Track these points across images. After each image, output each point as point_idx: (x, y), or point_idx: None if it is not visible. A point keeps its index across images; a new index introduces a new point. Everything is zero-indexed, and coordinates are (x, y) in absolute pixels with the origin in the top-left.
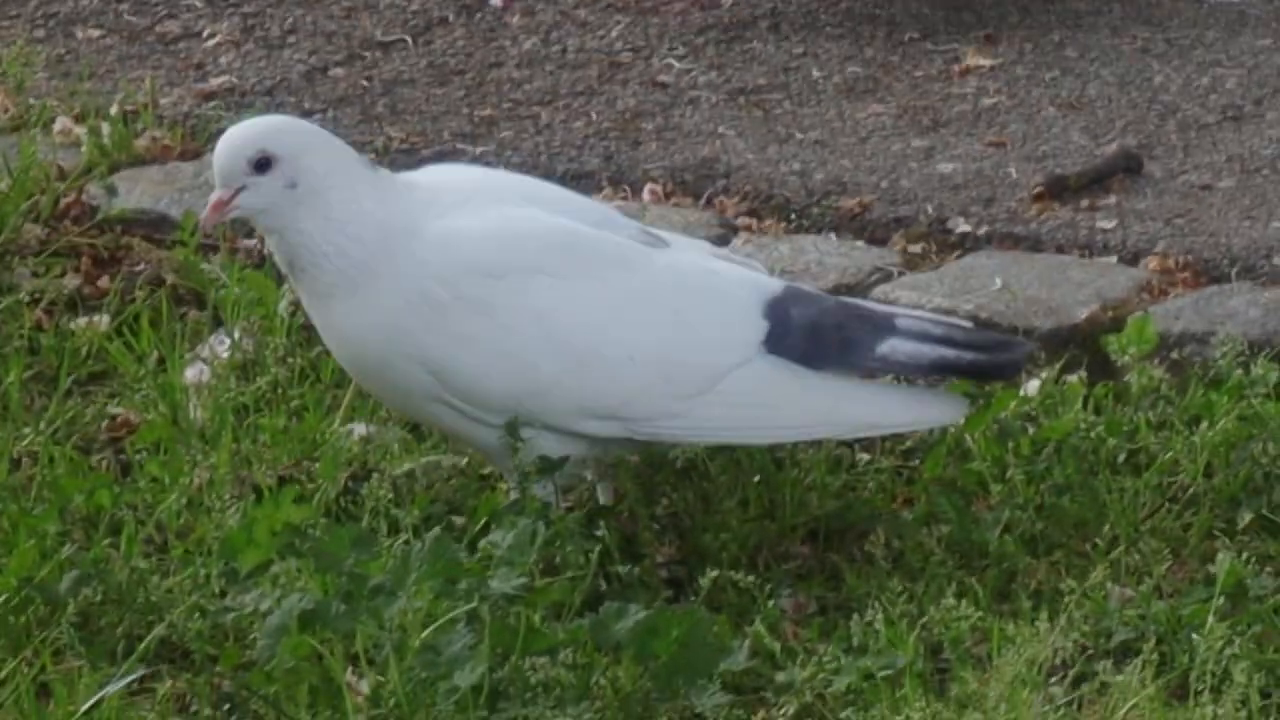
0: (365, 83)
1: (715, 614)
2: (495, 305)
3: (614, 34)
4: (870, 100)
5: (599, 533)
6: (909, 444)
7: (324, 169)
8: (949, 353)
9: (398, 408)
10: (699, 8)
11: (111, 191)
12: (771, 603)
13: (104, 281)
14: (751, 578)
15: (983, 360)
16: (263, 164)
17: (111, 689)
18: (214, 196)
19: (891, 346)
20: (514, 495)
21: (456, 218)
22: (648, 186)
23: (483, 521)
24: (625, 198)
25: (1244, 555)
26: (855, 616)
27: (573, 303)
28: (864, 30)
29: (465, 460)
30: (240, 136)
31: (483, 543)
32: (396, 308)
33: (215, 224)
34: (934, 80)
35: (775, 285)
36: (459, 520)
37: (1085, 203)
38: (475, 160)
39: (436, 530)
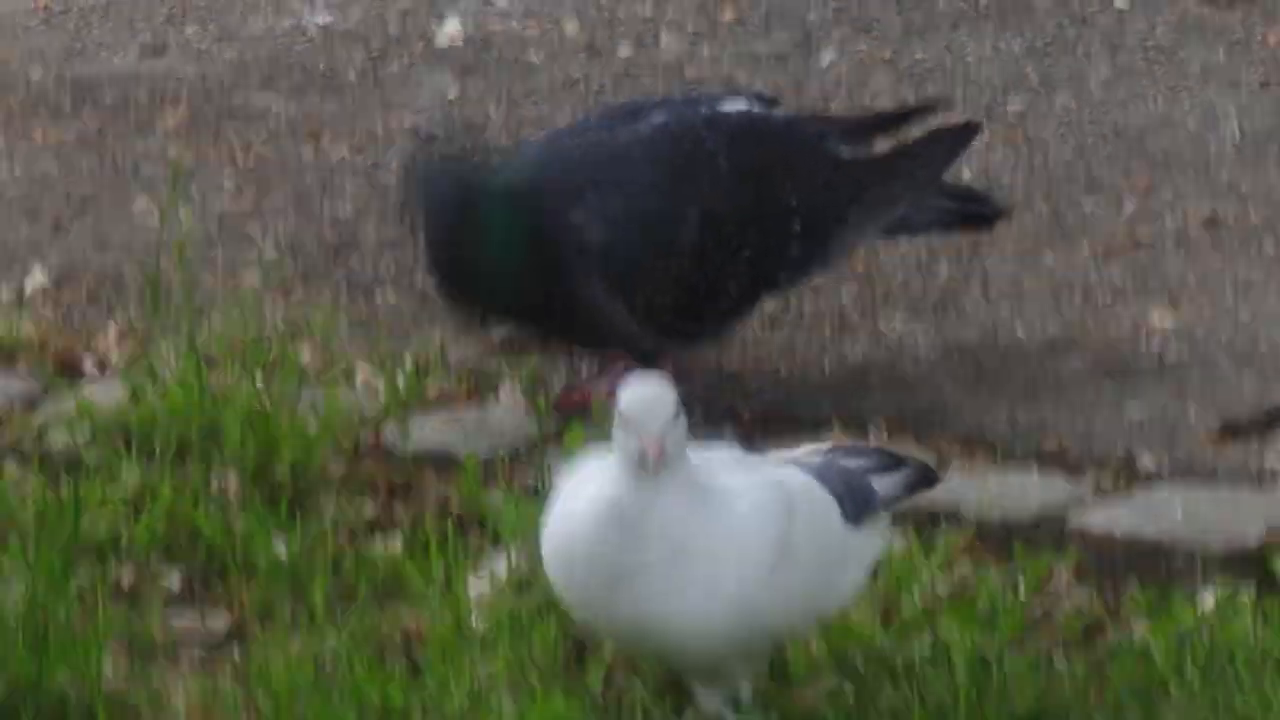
0: None
1: None
2: (789, 552)
3: (844, 296)
4: (1069, 355)
5: None
6: (1100, 649)
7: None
8: (898, 477)
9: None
10: (920, 273)
11: (405, 433)
12: None
13: (398, 510)
14: None
15: (914, 476)
16: (678, 414)
17: None
18: (651, 445)
19: (881, 488)
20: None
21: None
22: (873, 429)
23: None
24: (855, 437)
25: None
26: None
27: (809, 534)
28: (1063, 295)
29: None
30: (661, 391)
31: None
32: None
33: (660, 461)
34: (1125, 338)
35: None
36: None
37: (1255, 443)
38: (725, 405)
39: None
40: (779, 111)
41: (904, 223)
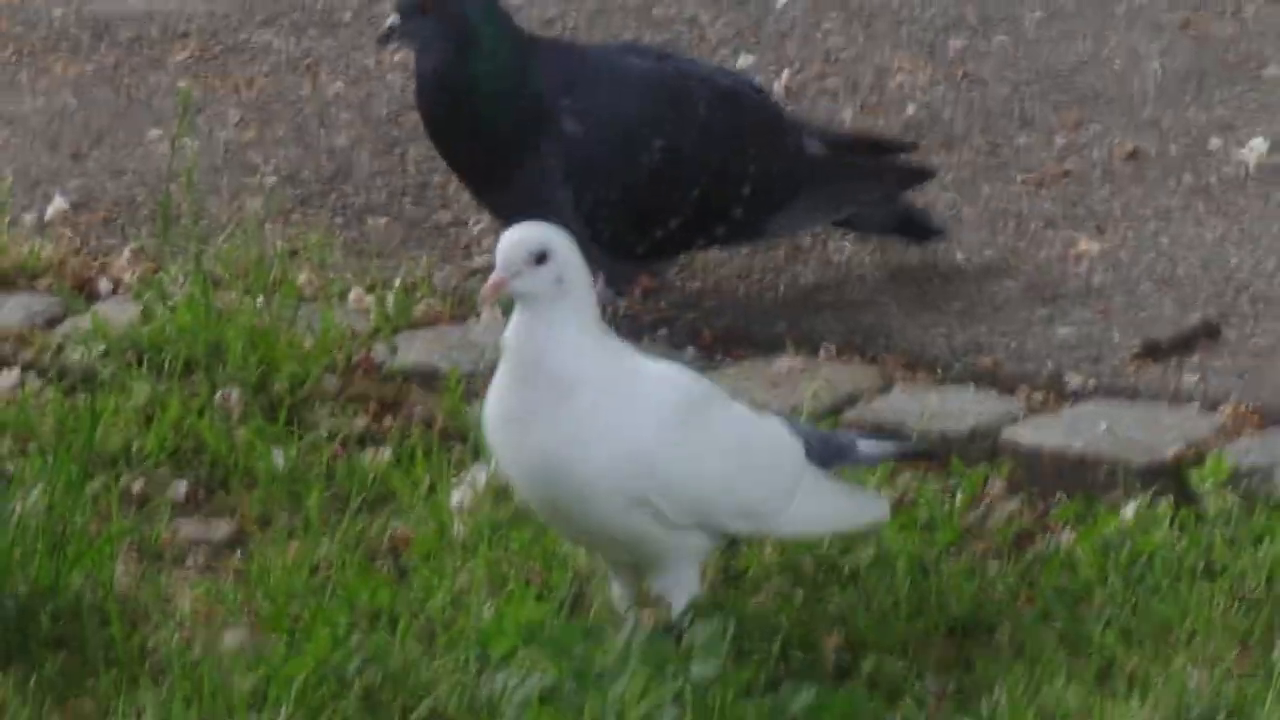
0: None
1: (873, 693)
2: (703, 432)
3: None
4: (1003, 278)
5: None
6: (1030, 557)
7: (583, 280)
8: (891, 444)
9: (586, 513)
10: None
11: (393, 350)
12: (918, 685)
13: (387, 422)
14: (902, 664)
15: (911, 448)
16: (540, 258)
17: None
18: (494, 277)
19: (865, 447)
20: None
21: (657, 367)
22: (823, 347)
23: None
24: (805, 355)
25: None
26: (985, 696)
27: (743, 426)
28: (998, 222)
29: None
30: (526, 232)
31: (677, 623)
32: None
33: (493, 300)
34: (1055, 262)
35: (779, 418)
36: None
37: (1174, 362)
38: (688, 323)
39: (650, 625)
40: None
41: (847, 223)
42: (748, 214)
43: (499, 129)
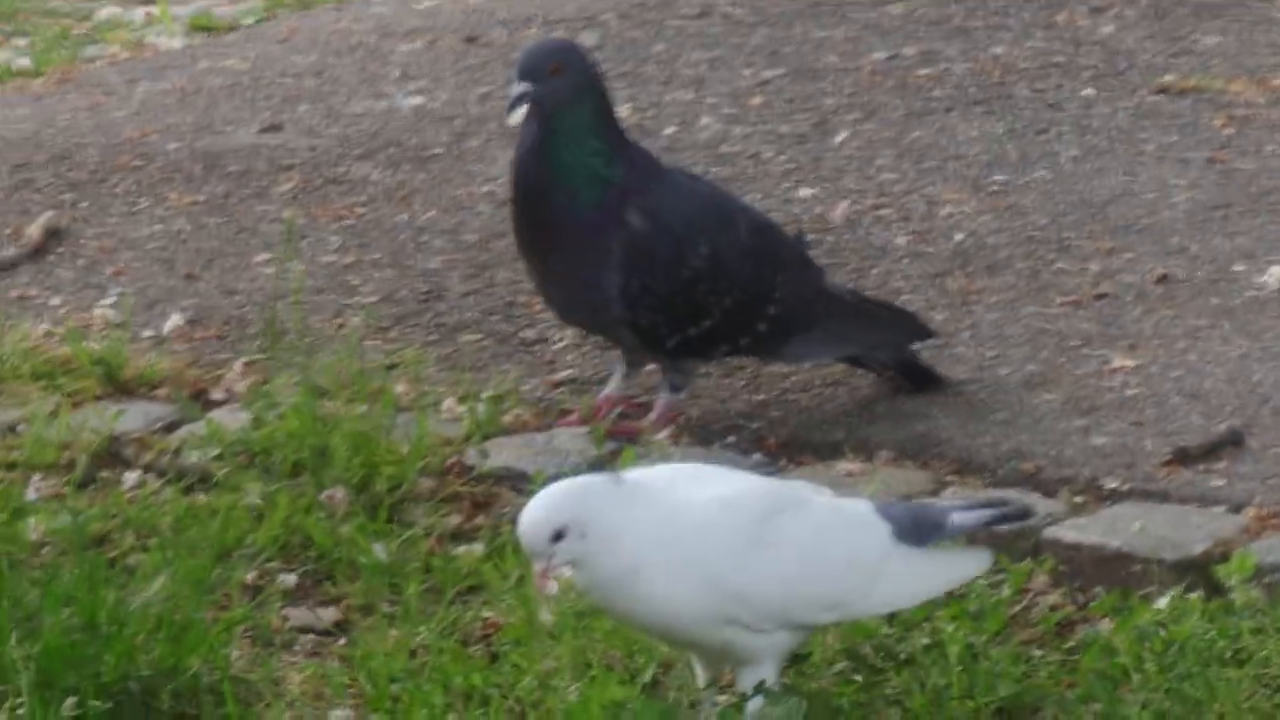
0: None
1: None
2: (773, 542)
3: None
4: (1044, 391)
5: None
6: (1071, 644)
7: (596, 508)
8: (985, 512)
9: (679, 639)
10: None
11: (484, 454)
12: None
13: (479, 519)
14: None
15: (1005, 512)
16: (558, 535)
17: None
18: (537, 569)
19: (958, 520)
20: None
21: (704, 491)
22: (879, 453)
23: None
24: (862, 460)
25: None
26: None
27: (815, 525)
28: (1039, 340)
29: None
30: (533, 523)
31: (752, 711)
32: (706, 560)
33: (549, 590)
34: (1091, 377)
35: (868, 502)
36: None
37: (1202, 467)
38: (753, 432)
39: (724, 701)
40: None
41: (855, 359)
42: (770, 330)
43: (579, 204)
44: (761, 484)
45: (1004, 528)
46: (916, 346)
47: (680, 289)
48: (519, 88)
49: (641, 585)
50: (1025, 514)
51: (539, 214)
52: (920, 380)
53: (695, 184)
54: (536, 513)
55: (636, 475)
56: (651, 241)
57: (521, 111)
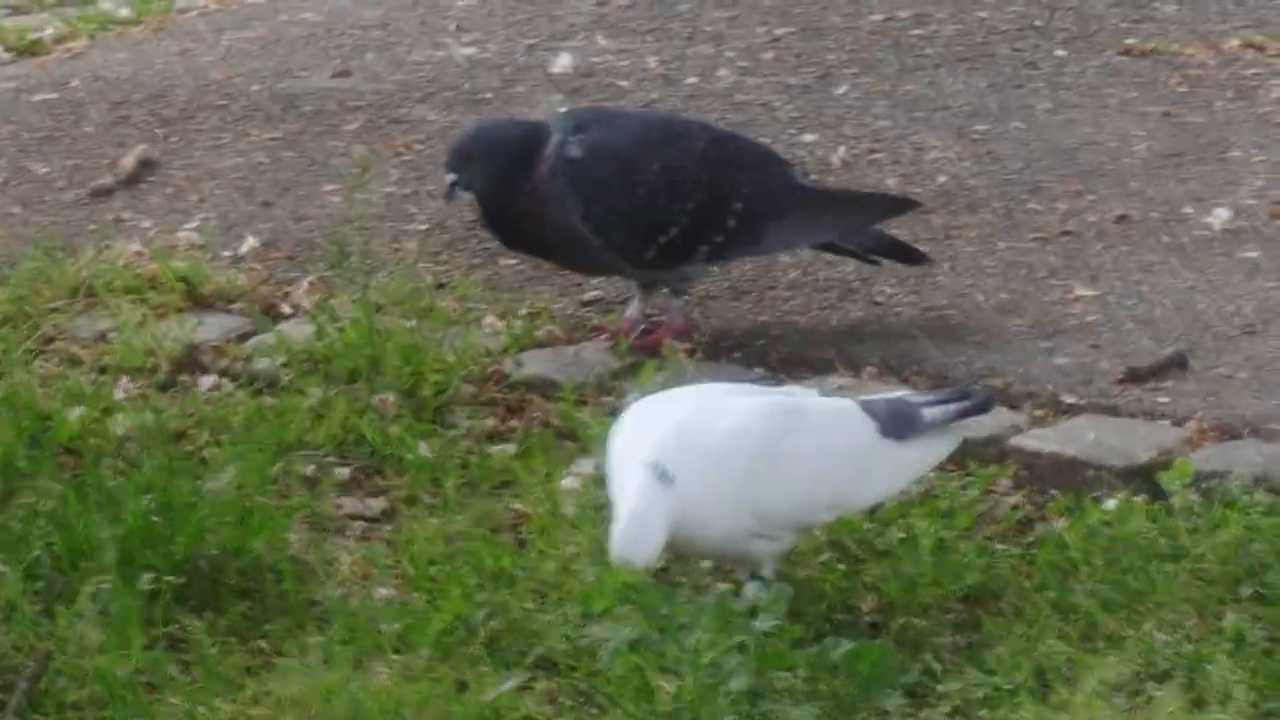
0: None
1: (900, 647)
2: (787, 459)
3: (849, 270)
4: (1014, 316)
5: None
6: (1029, 539)
7: (672, 523)
8: (953, 406)
9: (708, 553)
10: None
11: (519, 365)
12: (937, 640)
13: (513, 423)
14: (924, 623)
15: (970, 405)
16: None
17: (506, 686)
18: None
19: (930, 414)
20: (765, 572)
21: (720, 420)
22: (866, 369)
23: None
24: (851, 376)
25: (1244, 616)
26: (990, 650)
27: (818, 434)
28: (1011, 271)
29: None
30: (626, 558)
31: (747, 596)
32: (732, 483)
33: None
34: (1055, 304)
35: (854, 402)
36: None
37: (1151, 385)
38: (757, 349)
39: (720, 588)
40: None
41: (840, 242)
42: (740, 225)
43: (549, 229)
44: (767, 406)
45: (971, 436)
46: (896, 228)
47: (641, 204)
48: (449, 179)
49: (700, 536)
50: (988, 405)
51: (508, 227)
52: (907, 258)
53: (646, 113)
54: (626, 553)
55: (661, 450)
56: (596, 168)
57: (460, 196)
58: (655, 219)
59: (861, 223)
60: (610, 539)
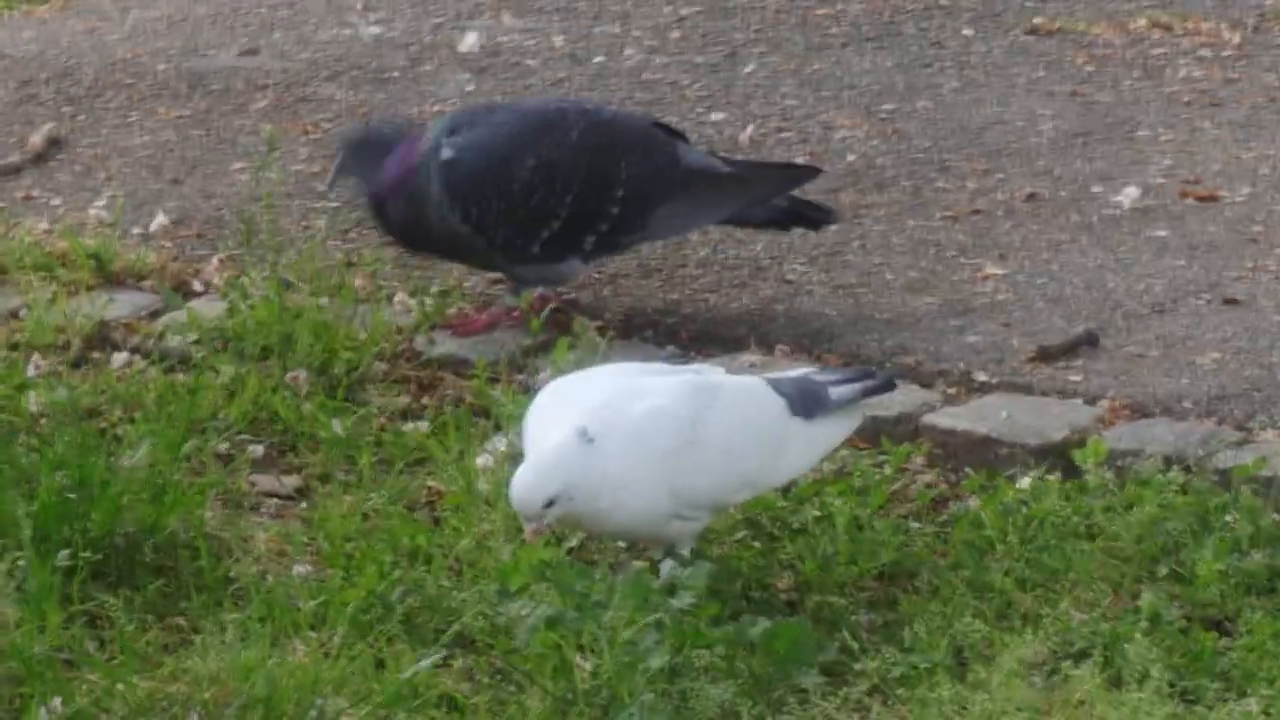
0: (597, 275)
1: (817, 625)
2: (702, 441)
3: (759, 248)
4: (924, 295)
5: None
6: (944, 517)
7: (581, 478)
8: (858, 385)
9: (630, 537)
10: (814, 231)
11: (431, 342)
12: (853, 618)
13: (425, 400)
14: (841, 601)
15: (874, 384)
16: (549, 503)
17: (424, 664)
18: (529, 528)
19: (836, 393)
20: (682, 551)
21: (637, 402)
22: (778, 347)
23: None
24: (763, 353)
25: (1160, 595)
26: (907, 629)
27: (731, 417)
28: (921, 250)
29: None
30: (526, 495)
31: (664, 574)
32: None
33: (535, 539)
34: (966, 283)
35: (762, 380)
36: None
37: (1062, 364)
38: (669, 326)
39: (636, 565)
40: (667, 133)
41: (739, 218)
42: (625, 211)
43: (435, 233)
44: (682, 386)
45: (883, 414)
46: (801, 192)
47: (517, 199)
48: (332, 169)
49: (616, 513)
50: (891, 384)
51: (400, 233)
52: (812, 221)
53: (522, 105)
54: (529, 486)
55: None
56: (468, 168)
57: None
58: (534, 213)
59: (759, 198)
60: (512, 479)
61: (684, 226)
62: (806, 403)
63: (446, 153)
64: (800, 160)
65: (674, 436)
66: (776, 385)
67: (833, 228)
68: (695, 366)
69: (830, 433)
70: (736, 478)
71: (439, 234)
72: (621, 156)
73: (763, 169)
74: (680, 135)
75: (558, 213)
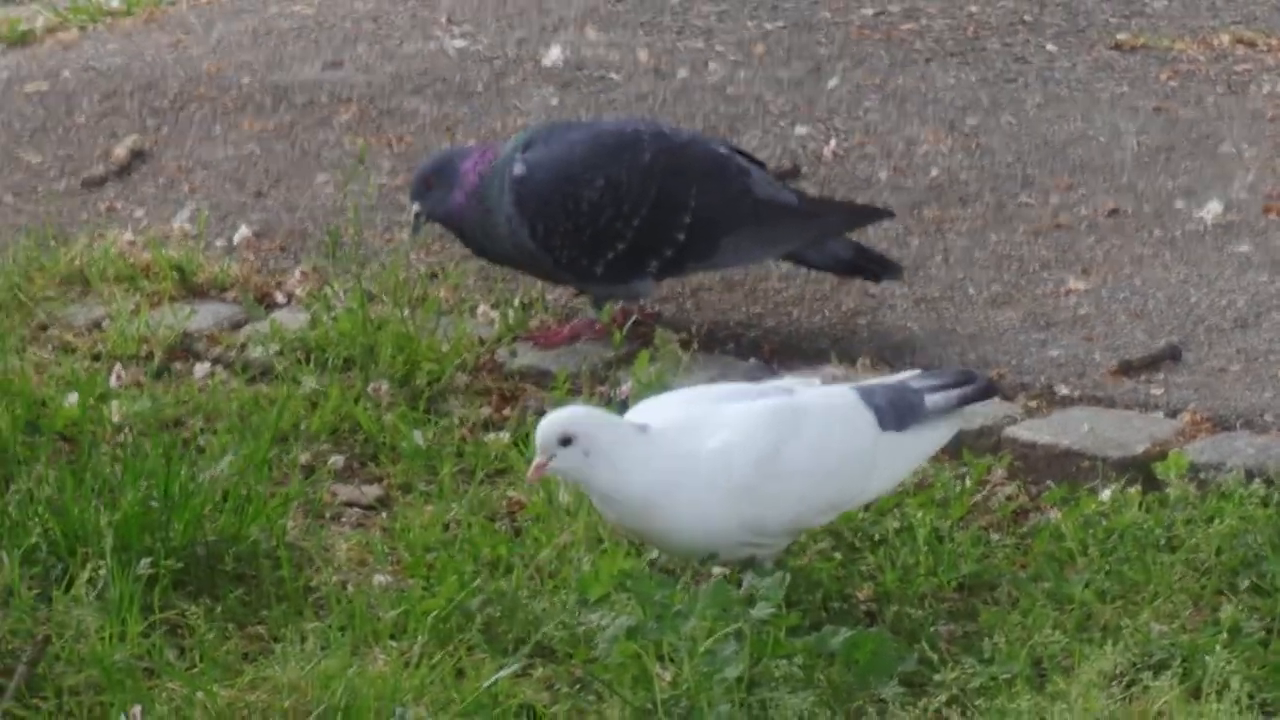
0: (680, 288)
1: (896, 636)
2: (783, 474)
3: None
4: (1007, 308)
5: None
6: (1025, 529)
7: (608, 440)
8: (954, 392)
9: (699, 555)
10: (897, 245)
11: (513, 353)
12: (933, 629)
13: (507, 411)
14: (921, 612)
15: (971, 391)
16: (565, 441)
17: (504, 673)
18: (535, 461)
19: (931, 401)
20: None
21: (715, 438)
22: (860, 361)
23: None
24: (846, 367)
25: (1240, 607)
26: (986, 640)
27: (814, 439)
28: (1004, 264)
29: None
30: (550, 423)
31: (746, 585)
32: (721, 500)
33: (535, 480)
34: (1048, 297)
35: (854, 392)
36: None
37: (1144, 377)
38: (751, 340)
39: (718, 575)
40: (746, 164)
41: (799, 256)
42: (692, 239)
43: (507, 247)
44: (761, 416)
45: (966, 427)
46: (861, 237)
47: (584, 219)
48: (414, 208)
49: (658, 520)
50: (991, 390)
51: (476, 245)
52: (874, 272)
53: (598, 125)
54: (556, 415)
55: (660, 425)
56: (535, 185)
57: (424, 227)
58: (600, 234)
59: (822, 234)
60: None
61: (749, 257)
62: (899, 412)
63: (518, 168)
64: (884, 175)
65: (749, 468)
66: (869, 396)
67: (893, 280)
68: (786, 382)
69: (921, 444)
70: (820, 503)
71: (510, 247)
72: (693, 183)
73: (832, 205)
74: (758, 163)
75: (624, 235)
